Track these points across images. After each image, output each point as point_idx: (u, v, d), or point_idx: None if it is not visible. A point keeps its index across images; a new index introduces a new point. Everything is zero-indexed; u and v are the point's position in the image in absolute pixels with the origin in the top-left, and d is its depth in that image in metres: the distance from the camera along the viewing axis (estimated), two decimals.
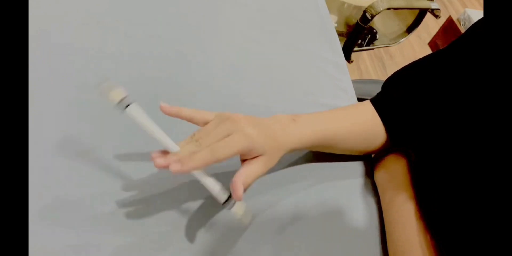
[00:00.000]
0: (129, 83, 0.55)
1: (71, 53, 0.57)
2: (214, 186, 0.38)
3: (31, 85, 0.48)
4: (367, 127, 0.50)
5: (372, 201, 0.51)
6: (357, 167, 0.54)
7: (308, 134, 0.44)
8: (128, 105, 0.36)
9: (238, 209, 0.38)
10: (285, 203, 0.48)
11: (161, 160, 0.35)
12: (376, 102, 0.51)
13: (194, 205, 0.45)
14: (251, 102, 0.58)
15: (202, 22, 0.68)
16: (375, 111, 0.50)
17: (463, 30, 1.93)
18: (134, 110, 0.36)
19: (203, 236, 0.43)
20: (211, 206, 0.45)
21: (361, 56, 1.96)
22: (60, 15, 0.61)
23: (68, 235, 0.40)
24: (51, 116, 0.49)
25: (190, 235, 0.43)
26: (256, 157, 0.39)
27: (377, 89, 0.55)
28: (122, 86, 0.36)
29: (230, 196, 0.38)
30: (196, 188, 0.47)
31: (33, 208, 0.40)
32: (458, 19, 2.02)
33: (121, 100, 0.36)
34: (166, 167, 0.35)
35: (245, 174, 0.37)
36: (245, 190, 0.37)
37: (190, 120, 0.40)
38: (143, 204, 0.44)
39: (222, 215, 0.45)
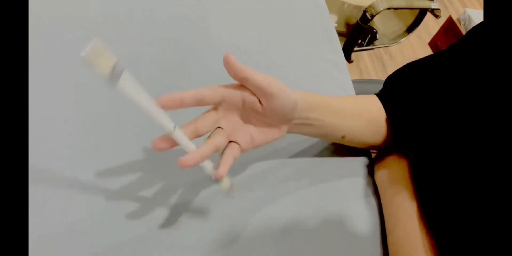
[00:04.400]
0: None
1: (71, 53, 0.57)
2: (209, 165, 0.38)
3: (31, 85, 0.48)
4: (373, 114, 0.50)
5: (372, 201, 0.51)
6: (358, 166, 0.54)
7: (318, 101, 0.45)
8: (120, 75, 0.29)
9: (225, 182, 0.40)
10: (286, 203, 0.48)
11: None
12: (381, 97, 0.52)
13: (195, 204, 0.45)
14: None
15: (202, 22, 0.68)
16: (381, 104, 0.51)
17: (463, 30, 1.93)
18: (126, 83, 0.29)
19: (203, 237, 0.43)
20: (212, 207, 0.45)
21: (361, 56, 1.96)
22: (60, 15, 0.61)
23: (68, 237, 0.40)
24: (51, 116, 0.49)
25: (191, 235, 0.43)
26: None
27: (377, 89, 0.55)
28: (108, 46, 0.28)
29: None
30: (198, 189, 0.47)
31: (33, 211, 0.40)
32: (458, 19, 2.02)
33: (112, 72, 0.28)
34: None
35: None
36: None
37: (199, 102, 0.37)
38: (145, 205, 0.44)
39: (224, 217, 0.45)
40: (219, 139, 0.38)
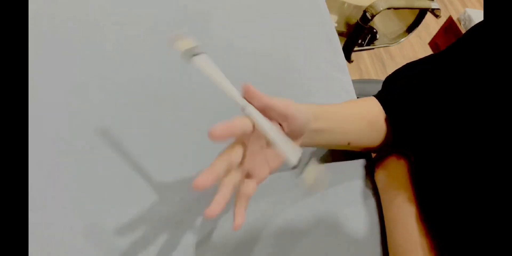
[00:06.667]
0: (129, 83, 0.55)
1: (71, 53, 0.57)
2: (285, 144, 0.34)
3: (31, 85, 0.48)
4: (375, 118, 0.50)
5: (372, 202, 0.51)
6: (358, 168, 0.54)
7: (323, 110, 0.44)
8: (196, 55, 0.34)
9: (309, 173, 0.34)
10: (285, 205, 0.47)
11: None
12: (380, 97, 0.52)
13: (194, 206, 0.45)
14: None
15: (202, 22, 0.68)
16: (379, 105, 0.51)
17: (463, 30, 1.93)
18: (201, 60, 0.34)
19: (202, 238, 0.43)
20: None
21: (361, 56, 1.96)
22: (60, 15, 0.61)
23: (68, 238, 0.40)
24: (51, 116, 0.49)
25: (190, 236, 0.43)
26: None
27: (378, 89, 0.55)
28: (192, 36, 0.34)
29: (301, 157, 0.34)
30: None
31: (33, 211, 0.40)
32: (458, 19, 2.02)
33: (188, 50, 0.34)
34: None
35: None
36: None
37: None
38: (145, 205, 0.44)
39: (223, 219, 0.45)
40: (236, 176, 0.36)
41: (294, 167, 0.34)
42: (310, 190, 0.35)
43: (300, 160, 0.33)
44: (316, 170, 0.34)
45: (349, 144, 0.49)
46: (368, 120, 0.49)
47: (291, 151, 0.34)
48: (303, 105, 0.40)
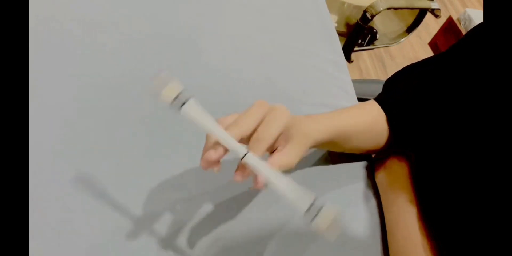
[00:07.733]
0: (129, 83, 0.55)
1: (70, 53, 0.57)
2: (290, 190, 0.32)
3: (31, 85, 0.48)
4: (376, 124, 0.50)
5: (373, 203, 0.51)
6: (358, 168, 0.54)
7: (326, 127, 0.44)
8: (184, 103, 0.31)
9: (323, 219, 0.30)
10: (286, 206, 0.47)
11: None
12: (380, 100, 0.52)
13: (192, 206, 0.45)
14: (250, 102, 0.57)
15: (202, 22, 0.68)
16: (380, 109, 0.51)
17: (463, 30, 1.93)
18: (191, 110, 0.31)
19: (200, 239, 0.43)
20: (210, 209, 0.45)
21: (361, 56, 1.95)
22: (59, 16, 0.61)
23: (70, 239, 0.40)
24: (51, 117, 0.49)
25: (188, 237, 0.43)
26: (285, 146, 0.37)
27: (378, 89, 0.55)
28: (176, 79, 0.30)
29: (312, 203, 0.31)
30: (196, 191, 0.47)
31: (33, 211, 0.40)
32: (458, 19, 2.01)
33: (175, 100, 0.30)
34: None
35: (279, 161, 0.34)
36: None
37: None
38: (142, 206, 0.44)
39: (223, 219, 0.45)
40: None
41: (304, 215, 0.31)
42: (325, 237, 0.31)
43: (312, 205, 0.31)
44: (330, 214, 0.31)
45: (347, 148, 0.50)
46: (369, 124, 0.49)
47: (301, 199, 0.31)
48: (303, 125, 0.39)
